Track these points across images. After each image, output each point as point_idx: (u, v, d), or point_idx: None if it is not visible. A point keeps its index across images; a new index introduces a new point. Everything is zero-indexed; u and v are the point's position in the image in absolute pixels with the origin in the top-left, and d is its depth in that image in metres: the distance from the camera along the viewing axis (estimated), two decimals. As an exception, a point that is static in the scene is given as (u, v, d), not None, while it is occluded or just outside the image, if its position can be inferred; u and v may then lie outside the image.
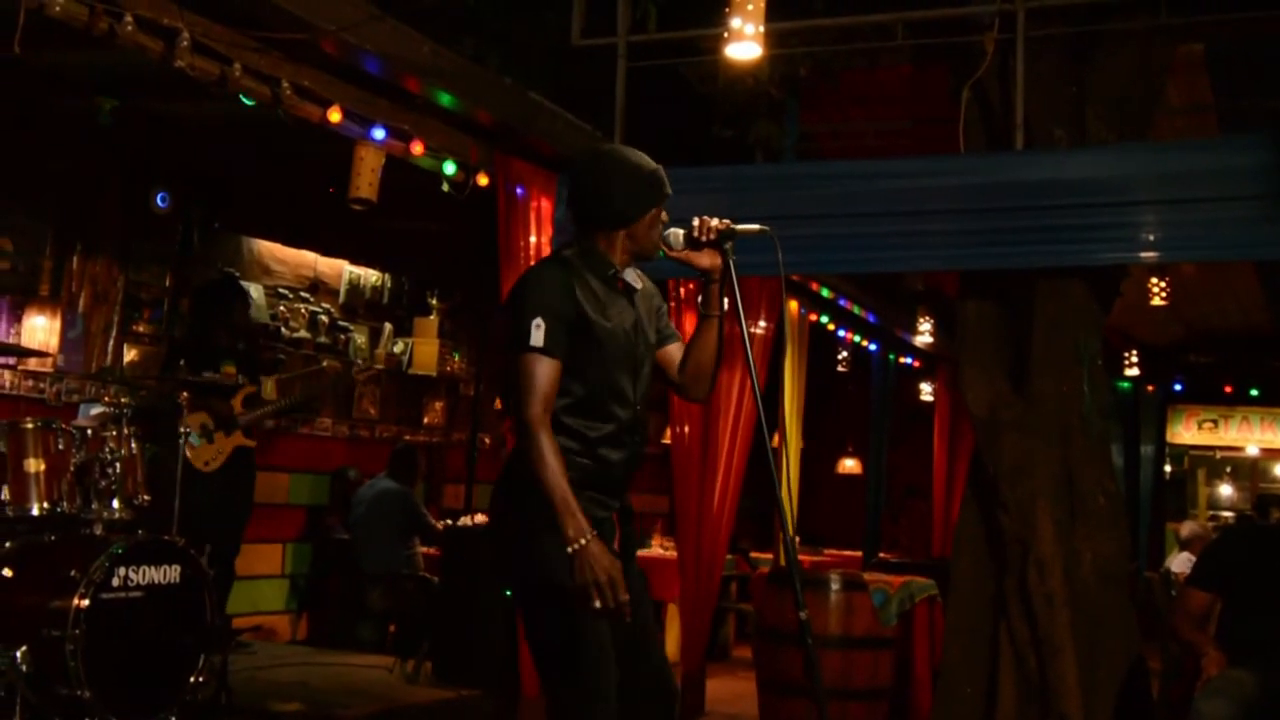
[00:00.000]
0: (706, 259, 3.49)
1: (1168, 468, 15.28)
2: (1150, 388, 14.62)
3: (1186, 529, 9.35)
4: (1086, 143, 5.87)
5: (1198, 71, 6.69)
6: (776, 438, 9.41)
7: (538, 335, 3.31)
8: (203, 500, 6.49)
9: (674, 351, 3.68)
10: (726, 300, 3.51)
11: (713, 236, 3.46)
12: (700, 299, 3.56)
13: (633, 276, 3.57)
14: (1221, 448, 15.33)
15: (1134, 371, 13.37)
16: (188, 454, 6.11)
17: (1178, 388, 14.92)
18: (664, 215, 3.53)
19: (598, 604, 3.16)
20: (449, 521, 8.54)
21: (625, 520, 3.56)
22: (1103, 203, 5.60)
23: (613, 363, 3.44)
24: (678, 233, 3.50)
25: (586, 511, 3.27)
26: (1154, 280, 9.78)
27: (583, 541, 3.18)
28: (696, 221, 3.47)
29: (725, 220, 3.47)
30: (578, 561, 3.17)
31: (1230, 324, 12.46)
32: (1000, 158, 5.94)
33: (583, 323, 3.38)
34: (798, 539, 9.58)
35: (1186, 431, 15.32)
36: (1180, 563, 8.37)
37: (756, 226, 3.47)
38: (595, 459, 3.42)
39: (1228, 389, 14.68)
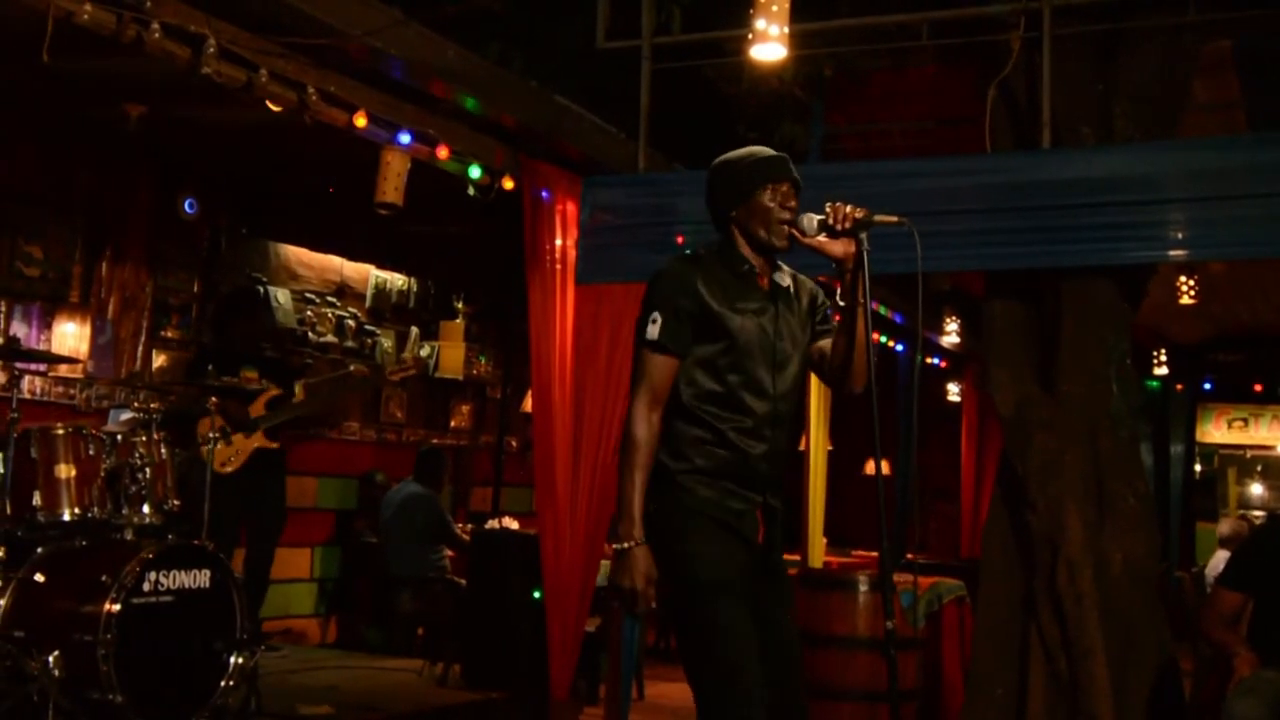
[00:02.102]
0: (840, 247, 3.46)
1: (1198, 467, 15.18)
2: (1179, 386, 14.52)
3: (1226, 527, 9.27)
4: (1114, 141, 5.85)
5: (1226, 68, 6.64)
6: (803, 438, 9.39)
7: (653, 330, 3.38)
8: (224, 503, 6.49)
9: (827, 345, 3.66)
10: (867, 287, 3.47)
11: (848, 225, 3.41)
12: (839, 291, 3.53)
13: (782, 276, 3.59)
14: (1252, 446, 15.21)
15: (1163, 370, 13.29)
16: (204, 456, 6.12)
17: (1207, 386, 14.81)
18: (792, 201, 3.50)
19: (619, 605, 3.22)
20: (469, 525, 8.55)
21: (770, 519, 3.52)
22: (1130, 201, 5.56)
23: (747, 355, 3.45)
24: (812, 218, 3.46)
25: (722, 502, 3.37)
26: (1183, 278, 9.72)
27: (628, 544, 3.26)
28: (830, 208, 3.43)
29: (862, 208, 3.42)
30: (619, 562, 3.26)
31: (1260, 322, 12.37)
32: (1027, 156, 5.92)
33: (709, 316, 3.41)
34: (825, 541, 9.58)
35: (1216, 430, 15.21)
36: (1219, 561, 8.29)
37: (895, 217, 3.42)
38: (732, 450, 3.42)
39: (1258, 387, 14.56)
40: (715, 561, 3.34)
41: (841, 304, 3.52)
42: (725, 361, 3.43)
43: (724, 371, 3.43)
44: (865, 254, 3.41)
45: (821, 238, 3.46)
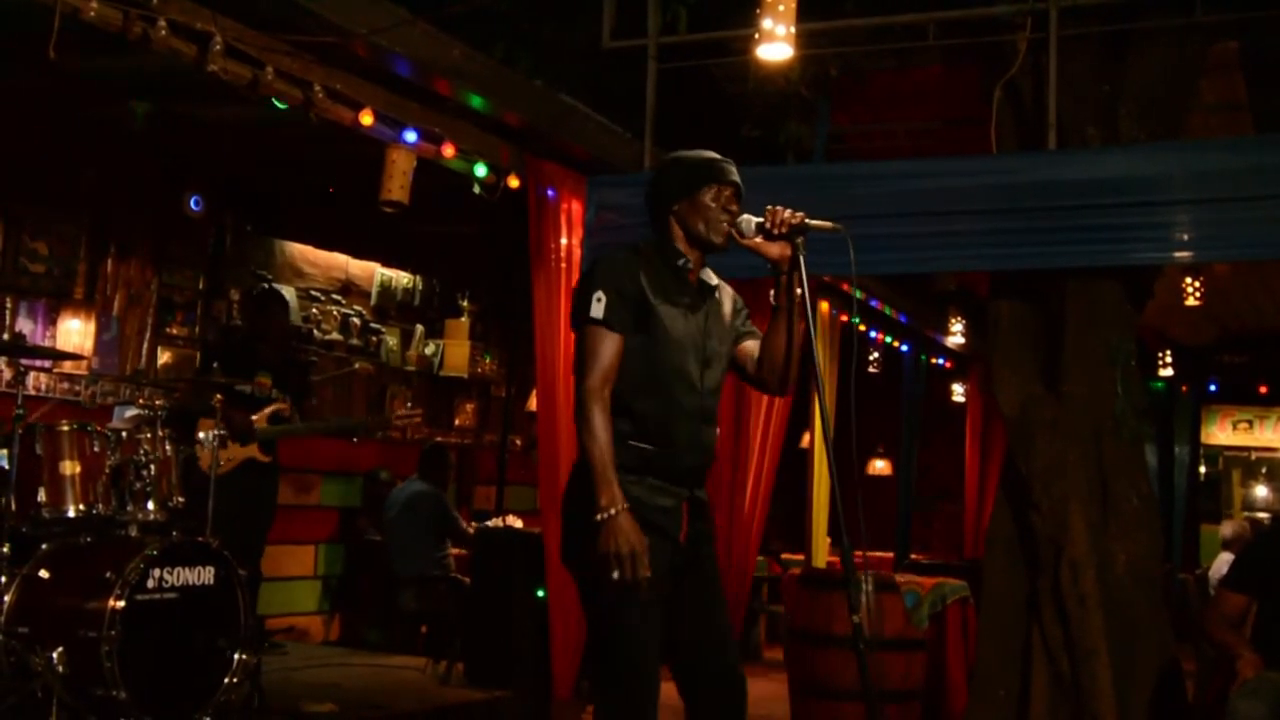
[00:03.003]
0: (776, 250, 3.53)
1: (1202, 469, 15.16)
2: (1184, 388, 14.50)
3: (1229, 529, 9.25)
4: (1119, 142, 5.84)
5: (1232, 69, 6.64)
6: (806, 438, 9.39)
7: (598, 308, 3.42)
8: (216, 500, 6.44)
9: (751, 347, 3.73)
10: (798, 293, 3.53)
11: (784, 229, 3.49)
12: (772, 292, 3.60)
13: (709, 275, 3.68)
14: (1256, 448, 15.18)
15: (1168, 372, 13.27)
16: (197, 454, 6.09)
17: (1212, 388, 14.79)
18: (734, 204, 3.59)
19: (615, 575, 3.26)
20: (474, 524, 8.55)
21: (696, 514, 3.59)
22: (1136, 202, 5.56)
23: (678, 349, 3.51)
24: (750, 220, 3.55)
25: (649, 499, 3.42)
26: (1188, 280, 9.71)
27: (613, 511, 3.29)
28: (769, 211, 3.50)
29: (799, 213, 3.49)
30: (605, 530, 3.28)
31: (1265, 324, 12.36)
32: (1033, 157, 5.92)
33: (646, 305, 3.48)
34: (829, 540, 9.59)
35: (1221, 432, 15.19)
36: (1222, 563, 8.28)
37: (830, 224, 3.49)
38: (659, 444, 3.48)
39: (1263, 389, 14.53)
40: None
41: (778, 306, 3.59)
42: (657, 353, 3.49)
43: (656, 363, 3.49)
44: (801, 258, 3.49)
45: (759, 239, 3.54)
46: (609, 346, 3.43)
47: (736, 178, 3.63)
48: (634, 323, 3.46)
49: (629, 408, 3.46)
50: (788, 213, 3.48)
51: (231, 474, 6.76)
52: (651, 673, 3.41)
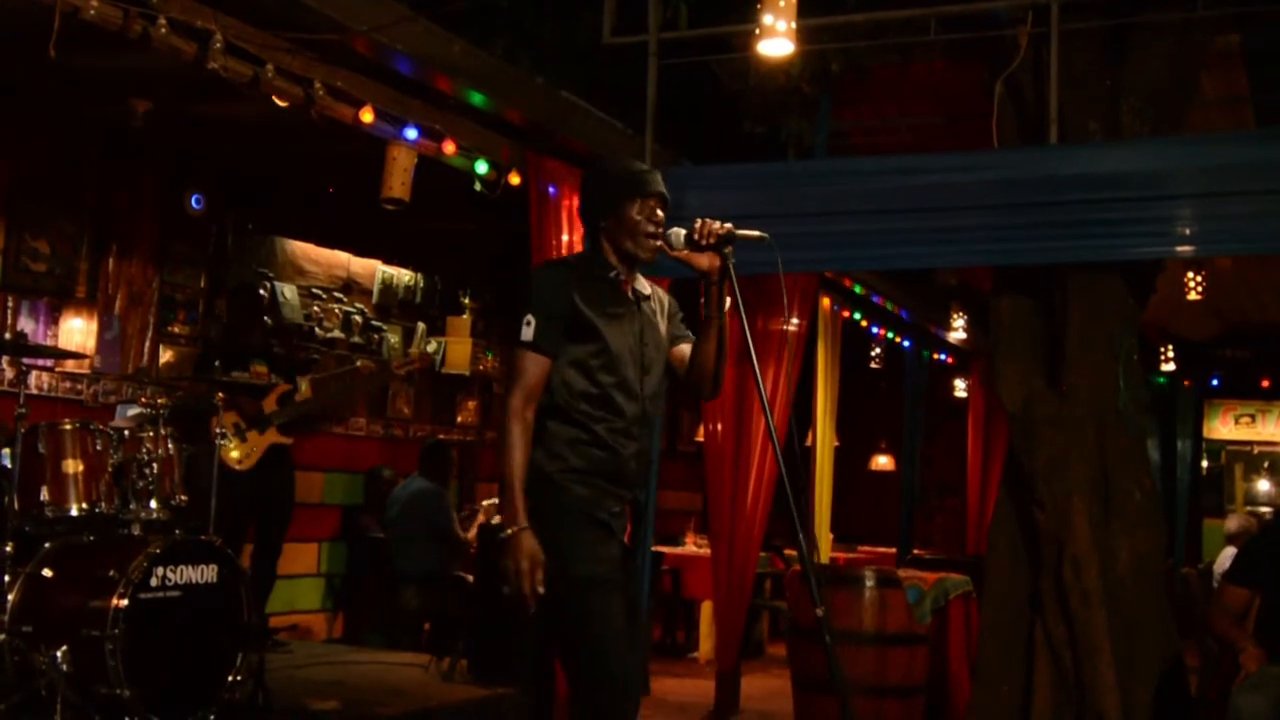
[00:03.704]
0: (705, 260, 3.61)
1: (1204, 463, 15.16)
2: (1186, 383, 14.50)
3: (1233, 523, 9.24)
4: (1121, 136, 5.83)
5: (1234, 64, 6.63)
6: (810, 434, 9.39)
7: (527, 331, 3.56)
8: (239, 498, 6.50)
9: (683, 351, 3.83)
10: (728, 301, 3.62)
11: (712, 240, 3.57)
12: (702, 300, 3.67)
13: (642, 284, 3.76)
14: (1259, 443, 15.19)
15: (1170, 366, 13.27)
16: (220, 451, 6.13)
17: (1214, 382, 14.78)
18: (659, 214, 3.65)
19: (506, 590, 3.39)
20: (482, 518, 8.54)
21: (636, 518, 3.71)
22: (1138, 197, 5.56)
23: (618, 358, 3.61)
24: (679, 232, 3.62)
25: (599, 502, 3.54)
26: (1190, 274, 9.70)
27: (514, 530, 3.42)
28: (698, 223, 3.58)
29: (726, 224, 3.56)
30: (508, 546, 3.41)
31: (1267, 318, 12.35)
32: (1034, 152, 5.91)
33: (581, 320, 3.57)
34: (832, 536, 9.59)
35: (1223, 426, 15.19)
36: (1226, 558, 8.27)
37: (756, 233, 3.57)
38: (605, 449, 3.58)
39: (1265, 383, 14.53)
40: (589, 557, 3.51)
41: (707, 315, 3.66)
42: (598, 363, 3.59)
43: (596, 373, 3.59)
44: (730, 267, 3.55)
45: (687, 251, 3.61)
46: (535, 369, 3.55)
47: (660, 187, 3.68)
48: (571, 337, 3.57)
49: (571, 415, 3.57)
50: (716, 224, 3.56)
51: (259, 465, 6.84)
52: (625, 657, 3.50)
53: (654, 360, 3.71)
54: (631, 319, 3.67)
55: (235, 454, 6.84)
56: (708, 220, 3.56)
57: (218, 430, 6.00)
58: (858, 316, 10.12)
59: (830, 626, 3.34)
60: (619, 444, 3.58)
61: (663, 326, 3.79)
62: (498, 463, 3.57)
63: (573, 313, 3.57)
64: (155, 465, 5.37)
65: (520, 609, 3.41)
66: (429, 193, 6.23)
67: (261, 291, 7.84)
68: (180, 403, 6.60)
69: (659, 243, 3.63)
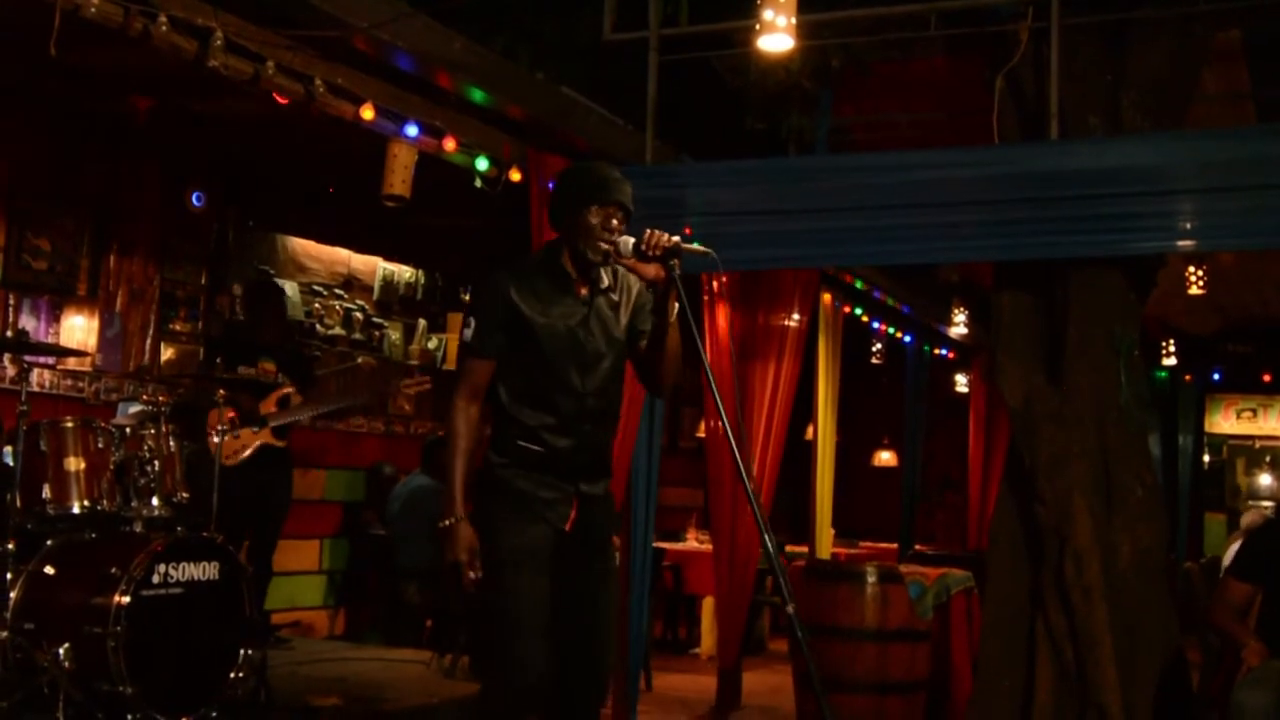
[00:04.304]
0: (652, 271, 3.73)
1: (1206, 458, 15.16)
2: (1188, 377, 14.49)
3: (1248, 518, 9.22)
4: (1122, 131, 5.83)
5: (1235, 59, 6.62)
6: (811, 429, 9.39)
7: (467, 334, 3.79)
8: (228, 495, 6.50)
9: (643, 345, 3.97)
10: (674, 309, 3.75)
11: (658, 252, 3.65)
12: (651, 307, 3.86)
13: (603, 276, 3.88)
14: (1260, 437, 15.18)
15: (1171, 361, 13.27)
16: (209, 445, 6.13)
17: (1216, 377, 14.77)
18: (616, 221, 3.77)
19: (444, 578, 3.64)
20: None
21: (586, 505, 3.84)
22: (1139, 192, 5.55)
23: (556, 357, 3.78)
24: (628, 241, 3.71)
25: (535, 492, 3.76)
26: (1191, 269, 9.70)
27: (450, 521, 3.66)
28: (647, 234, 3.66)
29: (674, 237, 3.64)
30: (445, 537, 3.67)
31: (1269, 313, 12.34)
32: (1035, 147, 5.90)
33: (520, 322, 3.76)
34: (833, 532, 9.59)
35: (1225, 421, 15.19)
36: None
37: (701, 248, 3.66)
38: (542, 445, 3.78)
39: (1266, 378, 14.53)
40: (515, 542, 3.72)
41: (656, 320, 3.83)
42: (535, 363, 3.78)
43: (534, 372, 3.78)
44: (676, 278, 3.63)
45: (635, 260, 3.71)
46: (477, 370, 3.79)
47: (623, 198, 3.81)
48: (509, 340, 3.77)
49: (513, 414, 3.79)
50: (664, 236, 3.63)
51: (248, 462, 6.83)
52: (537, 646, 3.66)
53: (600, 354, 3.85)
54: (576, 316, 3.82)
55: (225, 450, 6.83)
56: (656, 231, 3.65)
57: (221, 427, 6.01)
58: (859, 312, 10.11)
59: (801, 623, 3.38)
60: (555, 440, 3.78)
61: (623, 319, 3.92)
62: (443, 454, 3.81)
63: (511, 315, 3.75)
64: (157, 462, 5.38)
65: (461, 592, 3.64)
66: (430, 189, 6.23)
67: (280, 284, 7.85)
68: (182, 400, 6.61)
69: (609, 247, 3.75)
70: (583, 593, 3.83)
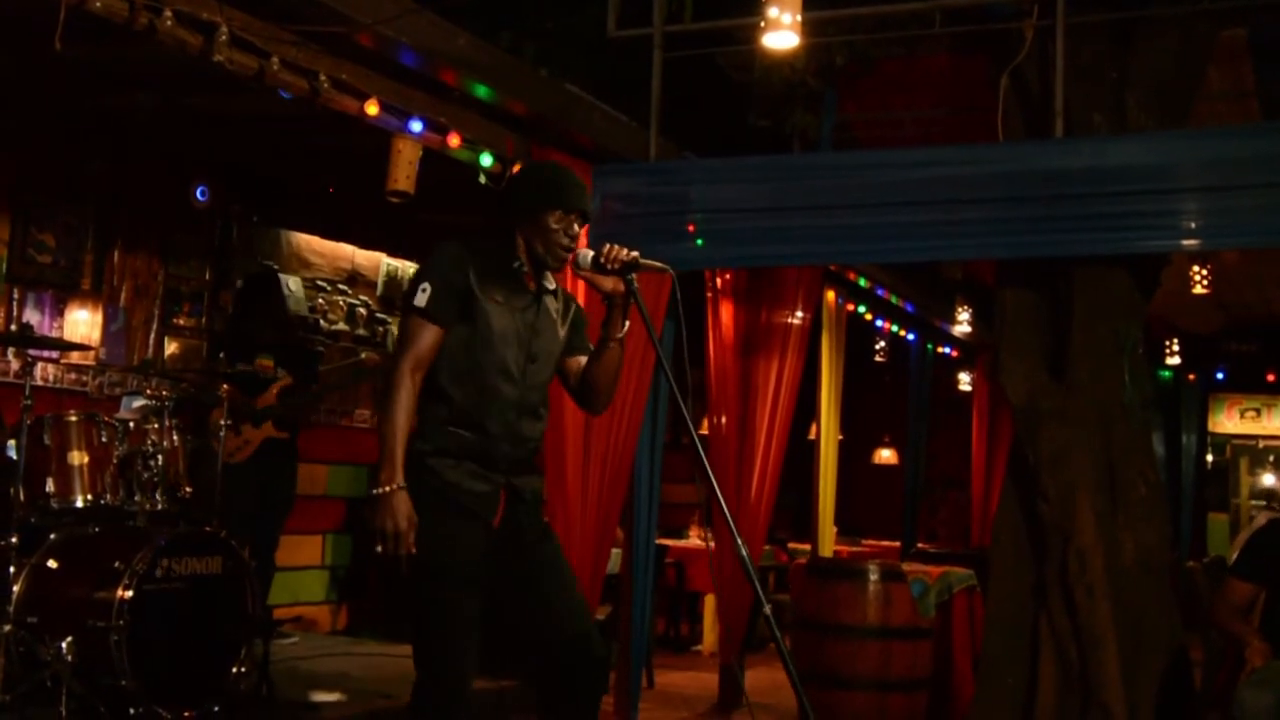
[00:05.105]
0: (609, 284, 3.68)
1: (1209, 457, 15.15)
2: (1192, 376, 14.49)
3: (1263, 519, 9.19)
4: (1127, 129, 5.83)
5: (1240, 57, 6.62)
6: (814, 427, 9.39)
7: (422, 298, 3.62)
8: (232, 491, 6.50)
9: (577, 364, 3.92)
10: (626, 326, 3.72)
11: (616, 265, 3.62)
12: (603, 321, 3.76)
13: (549, 280, 3.84)
14: (1264, 436, 15.17)
15: (1175, 360, 13.26)
16: (212, 444, 6.14)
17: (1220, 376, 14.78)
18: (575, 228, 3.74)
19: (379, 549, 3.47)
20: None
21: (515, 500, 3.74)
22: (1144, 190, 5.55)
23: (501, 341, 3.69)
24: (587, 253, 3.68)
25: (464, 484, 3.62)
26: (1195, 268, 9.69)
27: (389, 489, 3.48)
28: (605, 247, 3.64)
29: (634, 252, 3.62)
30: (379, 505, 3.48)
31: (1273, 312, 12.34)
32: (1040, 145, 5.90)
33: (472, 299, 3.65)
34: (835, 530, 9.58)
35: (1228, 420, 15.17)
36: None
37: (659, 264, 3.63)
38: (475, 431, 3.66)
39: (1270, 377, 14.53)
40: (443, 548, 3.58)
41: (606, 336, 3.76)
42: (479, 343, 3.66)
43: (476, 352, 3.66)
44: (634, 293, 3.63)
45: (593, 273, 3.68)
46: (425, 336, 3.62)
47: (584, 204, 3.79)
48: (458, 313, 3.64)
49: (448, 394, 3.65)
50: (622, 250, 3.61)
51: (252, 458, 6.83)
52: (465, 650, 3.60)
53: (545, 352, 3.80)
54: (526, 309, 3.75)
55: (228, 447, 6.83)
56: (614, 245, 3.63)
57: (225, 423, 6.01)
58: (862, 310, 10.10)
59: (777, 625, 3.34)
60: (490, 427, 3.66)
61: (561, 331, 3.87)
62: (379, 419, 3.72)
63: (467, 290, 3.64)
64: (160, 457, 5.39)
65: (394, 568, 3.50)
66: (434, 185, 6.22)
67: (276, 277, 7.84)
68: (185, 394, 6.61)
69: (569, 255, 3.72)
70: (537, 584, 3.75)
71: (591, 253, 3.66)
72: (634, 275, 3.62)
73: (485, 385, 3.66)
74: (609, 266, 3.61)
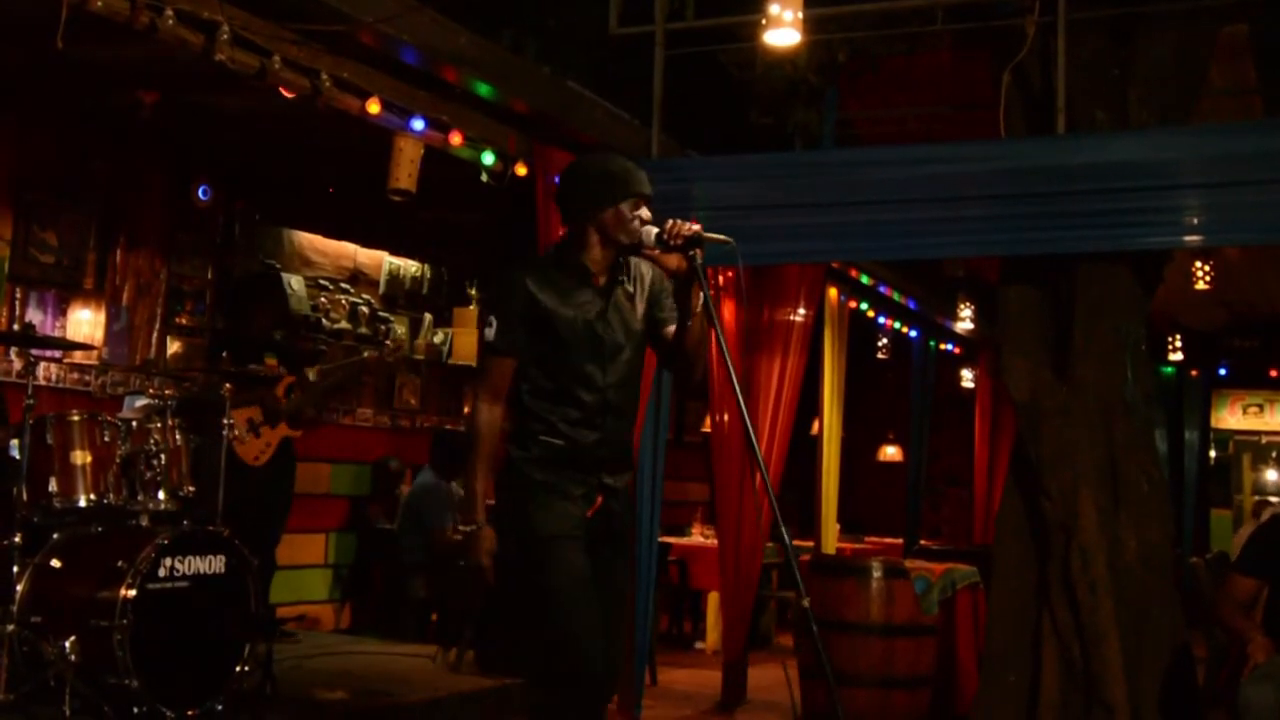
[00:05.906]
0: (674, 260, 3.77)
1: (1212, 453, 15.13)
2: (1194, 372, 14.48)
3: (1268, 514, 9.20)
4: (1129, 126, 5.82)
5: (1241, 53, 6.61)
6: (816, 424, 9.39)
7: (489, 333, 3.80)
8: (251, 493, 6.50)
9: (670, 333, 3.95)
10: (699, 298, 3.73)
11: (679, 241, 3.65)
12: (675, 294, 3.84)
13: (621, 271, 3.88)
14: (1267, 432, 15.15)
15: (1178, 356, 13.26)
16: (236, 449, 6.13)
17: (1222, 372, 14.76)
18: (644, 212, 3.78)
19: (462, 563, 3.64)
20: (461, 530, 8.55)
21: (609, 497, 3.85)
22: (1146, 186, 5.55)
23: (575, 351, 3.79)
24: (650, 230, 3.73)
25: (559, 486, 3.76)
26: (1198, 264, 9.68)
27: (474, 526, 3.73)
28: (668, 224, 3.67)
29: (695, 226, 3.64)
30: (469, 542, 3.73)
31: (1276, 308, 12.32)
32: (1042, 142, 5.90)
33: (540, 316, 3.77)
34: (838, 527, 9.58)
35: (1231, 416, 15.16)
36: None
37: (721, 237, 3.64)
38: (566, 439, 3.78)
39: (1273, 373, 14.50)
40: (550, 519, 3.73)
41: (680, 310, 3.81)
42: (555, 358, 3.78)
43: (554, 368, 3.79)
44: (697, 270, 3.64)
45: (658, 250, 3.74)
46: (499, 369, 3.81)
47: (648, 188, 3.84)
48: (530, 335, 3.78)
49: (537, 412, 3.79)
50: (685, 225, 3.63)
51: (271, 459, 6.85)
52: (585, 599, 3.68)
53: (620, 346, 3.85)
54: (594, 308, 3.82)
55: (253, 450, 6.82)
56: (678, 221, 3.65)
57: (229, 423, 6.01)
58: (865, 307, 10.11)
59: (813, 618, 3.44)
60: (578, 434, 3.78)
61: (639, 308, 3.92)
62: (467, 457, 3.82)
63: (531, 310, 3.76)
64: (163, 456, 5.38)
65: (479, 580, 3.72)
66: (435, 184, 6.23)
67: (276, 276, 7.84)
68: (188, 394, 6.61)
69: (641, 234, 3.75)
70: (601, 584, 3.80)
71: (655, 229, 3.71)
72: (697, 251, 3.63)
73: (569, 397, 3.78)
74: (672, 243, 3.65)
